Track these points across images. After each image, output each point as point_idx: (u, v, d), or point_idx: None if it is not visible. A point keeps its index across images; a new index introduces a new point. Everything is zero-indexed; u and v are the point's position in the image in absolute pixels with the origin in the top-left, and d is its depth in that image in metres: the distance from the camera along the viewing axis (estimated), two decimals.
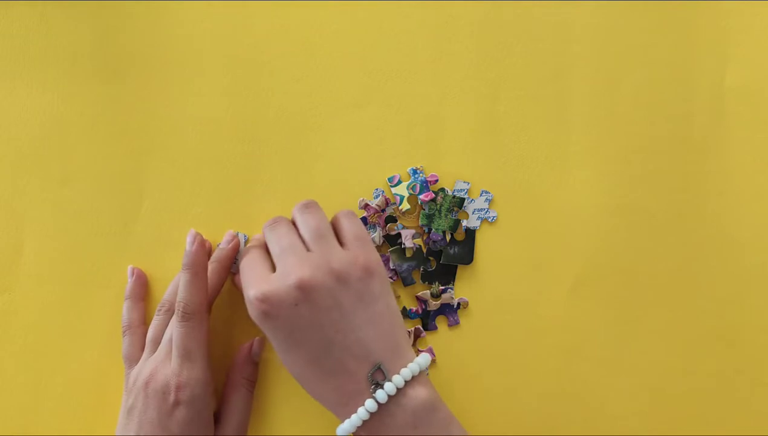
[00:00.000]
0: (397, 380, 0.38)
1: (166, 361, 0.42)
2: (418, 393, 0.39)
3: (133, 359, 0.45)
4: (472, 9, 0.49)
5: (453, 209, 0.48)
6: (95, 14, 0.49)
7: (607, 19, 0.49)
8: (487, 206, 0.48)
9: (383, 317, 0.40)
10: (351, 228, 0.42)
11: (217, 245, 0.47)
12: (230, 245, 0.46)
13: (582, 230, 0.48)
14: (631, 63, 0.49)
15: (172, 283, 0.46)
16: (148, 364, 0.43)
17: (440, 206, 0.47)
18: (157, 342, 0.44)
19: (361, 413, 0.38)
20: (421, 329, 0.48)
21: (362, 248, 0.41)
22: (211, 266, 0.45)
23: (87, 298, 0.47)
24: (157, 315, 0.45)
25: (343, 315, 0.39)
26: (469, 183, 0.48)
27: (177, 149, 0.48)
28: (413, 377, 0.39)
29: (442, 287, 0.48)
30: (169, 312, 0.45)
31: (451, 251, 0.48)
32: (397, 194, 0.48)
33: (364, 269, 0.40)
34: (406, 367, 0.39)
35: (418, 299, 0.48)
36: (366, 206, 0.47)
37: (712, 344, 0.47)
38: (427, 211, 0.47)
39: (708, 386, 0.47)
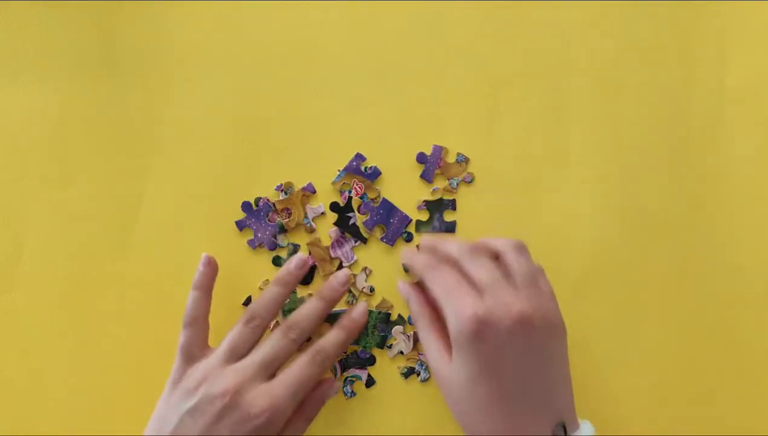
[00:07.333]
0: None
1: (256, 380, 0.40)
2: None
3: (192, 356, 0.42)
4: (472, 9, 0.49)
5: (377, 326, 0.47)
6: (96, 14, 0.49)
7: (607, 19, 0.49)
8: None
9: (569, 380, 0.41)
10: (547, 286, 0.43)
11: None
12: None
13: (582, 230, 0.48)
14: (631, 63, 0.49)
15: (265, 296, 0.44)
16: (227, 375, 0.40)
17: (367, 323, 0.46)
18: (237, 353, 0.41)
19: None
20: None
21: (558, 308, 0.42)
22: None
23: (87, 298, 0.47)
24: (246, 326, 0.42)
25: (545, 363, 0.40)
26: None
27: (177, 149, 0.48)
28: None
29: None
30: (261, 328, 0.43)
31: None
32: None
33: (564, 330, 0.42)
34: (579, 429, 0.40)
35: None
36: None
37: (712, 344, 0.47)
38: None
39: (708, 386, 0.47)
